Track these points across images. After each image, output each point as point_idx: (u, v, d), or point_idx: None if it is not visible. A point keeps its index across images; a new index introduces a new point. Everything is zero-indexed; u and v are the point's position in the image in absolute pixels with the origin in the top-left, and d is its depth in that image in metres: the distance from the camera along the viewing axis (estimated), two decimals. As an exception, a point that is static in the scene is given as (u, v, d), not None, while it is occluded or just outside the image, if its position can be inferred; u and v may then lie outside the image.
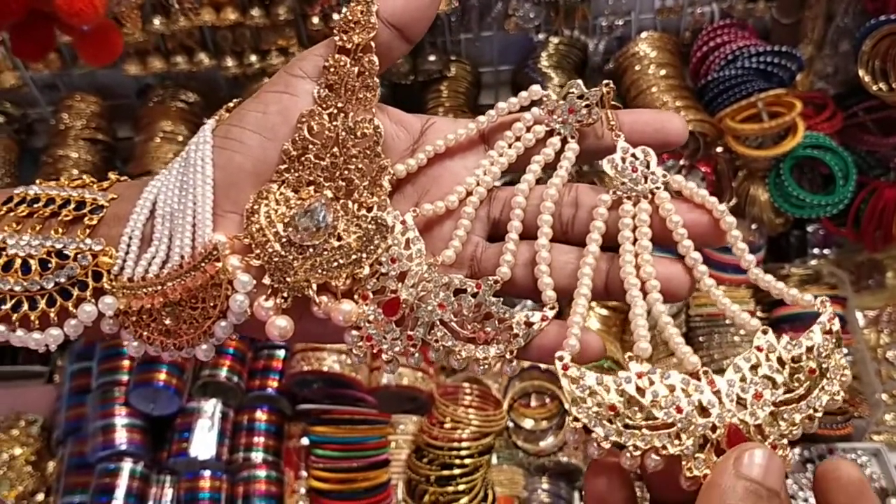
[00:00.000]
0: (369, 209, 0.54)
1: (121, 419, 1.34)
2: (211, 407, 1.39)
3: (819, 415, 0.48)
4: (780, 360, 0.49)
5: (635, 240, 0.53)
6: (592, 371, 0.48)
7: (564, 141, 0.56)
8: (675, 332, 0.51)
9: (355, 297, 0.52)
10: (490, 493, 1.37)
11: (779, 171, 1.55)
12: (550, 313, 0.51)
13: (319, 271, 0.52)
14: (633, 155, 0.54)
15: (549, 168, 0.56)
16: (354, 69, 0.54)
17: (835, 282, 1.63)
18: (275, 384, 1.45)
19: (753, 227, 1.56)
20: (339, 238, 0.52)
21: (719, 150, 1.56)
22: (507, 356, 0.51)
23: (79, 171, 1.62)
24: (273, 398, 1.45)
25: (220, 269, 0.50)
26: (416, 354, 0.52)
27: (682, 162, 1.53)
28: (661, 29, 1.66)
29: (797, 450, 1.47)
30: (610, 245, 0.54)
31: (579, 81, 0.56)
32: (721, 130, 1.54)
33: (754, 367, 0.48)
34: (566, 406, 0.47)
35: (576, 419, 0.47)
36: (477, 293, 0.52)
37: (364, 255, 0.52)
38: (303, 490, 1.40)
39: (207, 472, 1.35)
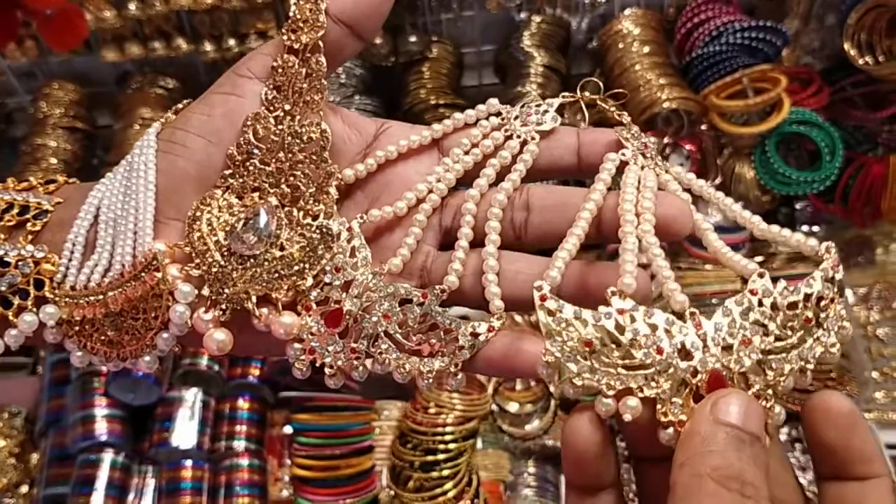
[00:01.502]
0: (315, 217, 0.52)
1: (101, 410, 1.33)
2: (192, 396, 1.38)
3: (811, 367, 0.45)
4: (775, 306, 0.46)
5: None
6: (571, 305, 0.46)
7: (524, 144, 0.55)
8: (664, 265, 0.48)
9: (298, 308, 0.51)
10: (474, 477, 1.36)
11: (764, 148, 1.53)
12: (497, 323, 0.49)
13: (259, 283, 0.50)
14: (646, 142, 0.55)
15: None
16: (302, 70, 0.53)
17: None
18: (256, 372, 1.44)
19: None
20: (282, 248, 0.51)
21: (704, 127, 1.54)
22: (452, 369, 0.49)
23: (58, 160, 1.61)
24: (255, 386, 1.44)
25: (160, 280, 0.48)
26: (360, 368, 0.50)
27: (666, 140, 1.51)
28: (644, 5, 1.63)
29: (785, 429, 1.46)
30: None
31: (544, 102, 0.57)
32: (706, 108, 1.51)
33: (745, 312, 0.46)
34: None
35: (549, 353, 0.45)
36: (423, 303, 0.50)
37: (307, 266, 0.51)
38: (286, 478, 1.39)
39: (189, 462, 1.34)
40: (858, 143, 1.60)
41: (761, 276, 0.47)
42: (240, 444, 1.38)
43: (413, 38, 1.65)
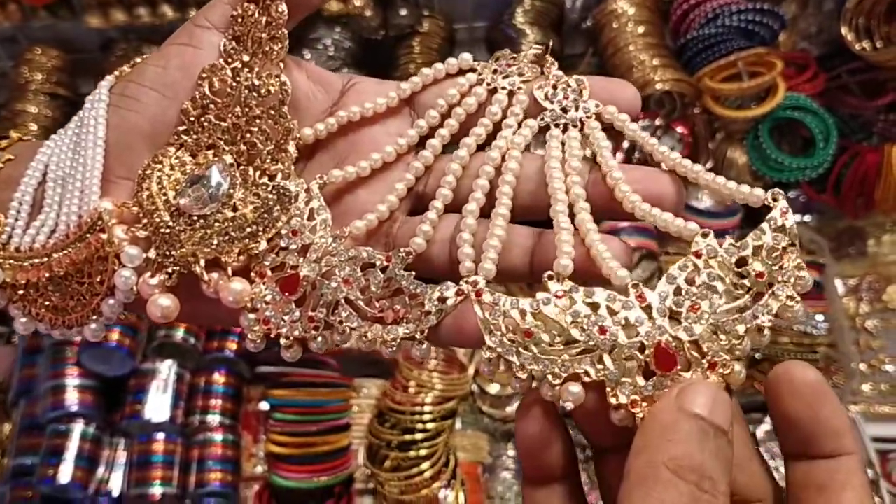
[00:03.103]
0: (272, 177, 0.49)
1: (72, 380, 1.30)
2: (166, 369, 1.35)
3: (768, 324, 0.42)
4: (722, 266, 0.43)
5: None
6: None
7: (511, 96, 0.52)
8: (604, 246, 0.45)
9: (252, 274, 0.47)
10: (452, 458, 1.34)
11: (757, 133, 1.50)
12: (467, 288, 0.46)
13: (208, 245, 0.46)
14: (567, 84, 0.51)
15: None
16: (262, 18, 0.50)
17: (814, 248, 1.59)
18: (234, 346, 1.42)
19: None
20: (235, 209, 0.47)
21: (697, 110, 1.51)
22: (418, 336, 0.46)
23: (39, 127, 1.57)
24: (231, 360, 1.42)
25: (105, 241, 0.46)
26: (319, 339, 0.47)
27: (657, 122, 1.48)
28: (641, -16, 1.60)
29: (768, 417, 1.43)
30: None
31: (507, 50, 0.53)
32: (699, 90, 1.49)
33: (691, 276, 0.43)
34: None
35: (489, 348, 0.43)
36: (386, 267, 0.47)
37: (261, 229, 0.47)
38: (261, 454, 1.37)
39: (161, 435, 1.32)
40: (853, 132, 1.58)
41: (705, 235, 0.44)
42: (214, 419, 1.36)
43: (404, 12, 1.62)
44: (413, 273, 0.47)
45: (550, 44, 0.55)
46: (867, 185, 1.55)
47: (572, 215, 0.47)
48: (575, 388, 0.42)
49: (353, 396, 1.41)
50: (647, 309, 0.43)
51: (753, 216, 1.67)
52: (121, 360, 1.32)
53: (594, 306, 0.43)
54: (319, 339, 0.47)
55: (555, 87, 0.51)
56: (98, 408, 1.33)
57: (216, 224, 0.47)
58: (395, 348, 0.46)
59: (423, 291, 0.46)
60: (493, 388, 1.46)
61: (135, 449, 1.32)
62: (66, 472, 1.25)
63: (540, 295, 0.43)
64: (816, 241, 1.58)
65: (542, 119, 0.50)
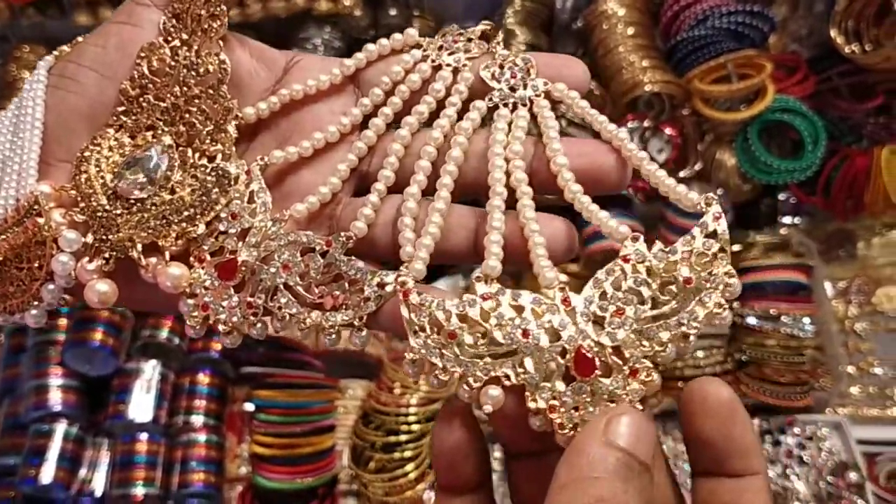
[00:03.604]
0: (211, 158, 0.48)
1: (55, 380, 1.30)
2: (150, 368, 1.35)
3: (694, 332, 0.42)
4: (650, 271, 0.43)
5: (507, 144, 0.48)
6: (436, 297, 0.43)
7: (456, 73, 0.50)
8: (540, 241, 0.45)
9: (191, 259, 0.46)
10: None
11: (746, 136, 1.50)
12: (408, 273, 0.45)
13: (145, 229, 0.46)
14: (514, 62, 0.50)
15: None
16: None
17: (802, 251, 1.58)
18: (218, 347, 1.41)
19: (720, 192, 1.51)
20: (173, 191, 0.46)
21: (686, 112, 1.50)
22: (356, 323, 0.45)
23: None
24: (216, 361, 1.41)
25: (42, 226, 0.45)
26: (259, 325, 0.46)
27: (646, 123, 1.48)
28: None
29: (756, 420, 1.43)
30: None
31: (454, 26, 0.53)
32: (689, 92, 1.48)
33: (618, 281, 0.43)
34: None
35: (412, 350, 0.42)
36: (326, 251, 0.46)
37: (199, 212, 0.46)
38: (246, 455, 1.37)
39: (144, 436, 1.31)
40: (843, 135, 1.57)
41: (634, 240, 0.44)
42: (198, 420, 1.35)
43: (393, 12, 1.62)
44: (353, 258, 0.46)
45: (494, 26, 0.53)
46: (856, 188, 1.55)
47: (516, 200, 0.46)
48: (494, 391, 0.41)
49: (339, 397, 1.40)
50: (572, 313, 0.42)
51: (745, 218, 1.66)
52: (104, 359, 1.31)
53: (519, 309, 0.43)
54: (259, 325, 0.46)
55: (501, 67, 0.50)
56: (81, 408, 1.32)
57: (153, 207, 0.46)
58: (333, 335, 0.46)
59: (362, 277, 0.45)
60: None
61: (118, 449, 1.31)
62: (48, 473, 1.24)
63: (466, 296, 0.43)
64: (805, 244, 1.58)
65: (490, 99, 0.49)
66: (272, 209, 0.48)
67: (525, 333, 0.42)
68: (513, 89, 0.50)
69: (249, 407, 1.39)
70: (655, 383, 0.42)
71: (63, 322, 1.34)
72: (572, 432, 0.41)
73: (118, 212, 0.46)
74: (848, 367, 1.59)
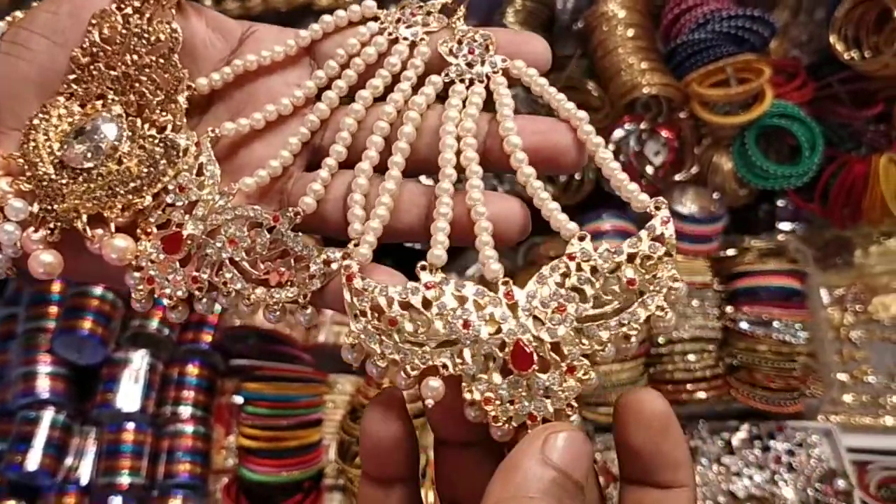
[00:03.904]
0: (161, 129, 0.47)
1: (44, 367, 1.30)
2: (139, 358, 1.35)
3: (635, 333, 0.42)
4: (595, 271, 0.43)
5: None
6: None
7: (413, 47, 0.50)
8: (486, 226, 0.44)
9: (138, 231, 0.46)
10: (423, 456, 1.33)
11: (743, 140, 1.49)
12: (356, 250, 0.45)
13: (91, 200, 0.45)
14: (473, 38, 0.50)
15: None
16: None
17: (798, 257, 1.57)
18: (208, 338, 1.41)
19: (715, 196, 1.51)
20: (120, 162, 0.46)
21: (683, 115, 1.50)
22: (300, 301, 0.45)
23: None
24: (206, 352, 1.41)
25: None
26: (204, 300, 0.46)
27: (643, 126, 1.47)
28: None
29: (745, 426, 1.43)
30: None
31: None
32: (687, 95, 1.48)
33: (562, 278, 0.43)
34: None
35: (352, 334, 0.42)
36: (273, 227, 0.45)
37: (145, 183, 0.45)
38: (233, 447, 1.37)
39: (131, 425, 1.31)
40: (842, 141, 1.57)
41: (581, 238, 0.44)
42: (186, 411, 1.35)
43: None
44: (300, 234, 0.46)
45: None
46: (854, 196, 1.54)
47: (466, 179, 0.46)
48: (434, 382, 0.41)
49: (327, 392, 1.40)
50: (514, 307, 0.42)
51: (742, 224, 1.66)
52: (93, 348, 1.31)
53: (462, 300, 0.42)
54: (204, 300, 0.46)
55: (460, 42, 0.50)
56: (69, 396, 1.32)
57: (99, 178, 0.45)
58: (277, 312, 0.45)
59: (309, 254, 0.45)
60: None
61: (104, 438, 1.32)
62: (34, 460, 1.25)
63: (410, 284, 0.43)
64: (801, 251, 1.57)
65: (447, 75, 0.49)
66: (222, 182, 0.47)
67: (466, 324, 0.42)
68: (470, 65, 0.49)
69: (238, 399, 1.39)
70: (592, 382, 0.42)
71: (54, 310, 1.34)
72: (506, 426, 0.41)
73: (64, 181, 0.45)
74: (842, 375, 1.58)
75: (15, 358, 1.32)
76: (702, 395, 1.38)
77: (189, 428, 1.33)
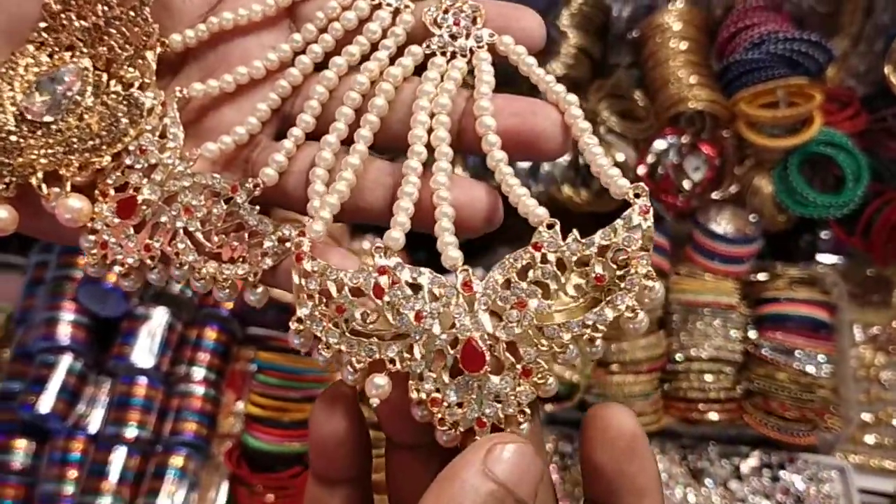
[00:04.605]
0: (128, 86, 0.45)
1: (67, 314, 1.32)
2: (159, 316, 1.37)
3: (600, 335, 0.39)
4: (561, 264, 0.39)
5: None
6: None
7: (396, 14, 0.47)
8: (448, 212, 0.42)
9: (96, 192, 0.44)
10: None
11: (786, 165, 1.47)
12: (316, 228, 0.42)
13: (48, 156, 0.43)
14: (461, 8, 0.46)
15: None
16: None
17: (832, 289, 1.54)
18: (229, 305, 1.42)
19: (752, 218, 1.48)
20: (81, 118, 0.44)
21: (726, 134, 1.48)
22: (251, 279, 0.42)
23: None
24: (225, 318, 1.43)
25: None
26: (156, 270, 0.43)
27: (684, 139, 1.46)
28: (691, 2, 1.57)
29: (756, 453, 1.40)
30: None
31: None
32: (734, 114, 1.46)
33: (525, 270, 0.39)
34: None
35: (298, 319, 0.40)
36: (231, 198, 0.43)
37: (105, 142, 0.43)
38: (241, 413, 1.38)
39: (144, 380, 1.33)
40: (892, 177, 1.53)
41: (550, 226, 0.40)
42: (199, 372, 1.37)
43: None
44: (256, 207, 0.43)
45: None
46: (897, 234, 1.50)
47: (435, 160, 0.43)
48: (381, 380, 0.39)
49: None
50: (471, 299, 0.39)
51: (783, 252, 1.62)
52: (116, 301, 1.34)
53: (416, 288, 0.40)
54: (156, 270, 0.44)
55: (446, 12, 0.46)
56: (88, 345, 1.35)
57: (58, 133, 0.43)
58: (227, 290, 0.43)
59: (264, 229, 0.42)
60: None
61: (116, 389, 1.34)
62: (47, 402, 1.27)
63: (362, 268, 0.40)
64: (836, 283, 1.54)
65: (429, 46, 0.46)
66: (187, 146, 0.45)
67: (418, 316, 0.39)
68: (454, 37, 0.46)
69: (252, 367, 1.41)
70: (549, 387, 0.39)
71: (83, 260, 1.36)
72: (453, 430, 0.39)
73: (23, 135, 0.43)
74: (866, 415, 1.55)
75: (40, 303, 1.35)
76: (714, 416, 1.36)
77: (200, 389, 1.35)
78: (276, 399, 1.32)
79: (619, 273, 0.39)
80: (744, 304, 1.46)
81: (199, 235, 0.43)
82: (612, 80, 1.54)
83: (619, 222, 0.40)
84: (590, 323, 0.39)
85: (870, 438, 1.54)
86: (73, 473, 1.28)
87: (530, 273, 0.40)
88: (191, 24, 0.47)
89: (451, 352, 0.39)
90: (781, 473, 1.38)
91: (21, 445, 1.31)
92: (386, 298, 0.39)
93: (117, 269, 0.43)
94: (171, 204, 0.43)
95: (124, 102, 0.44)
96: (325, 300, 0.40)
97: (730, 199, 1.50)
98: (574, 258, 0.40)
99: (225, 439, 1.36)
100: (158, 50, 0.46)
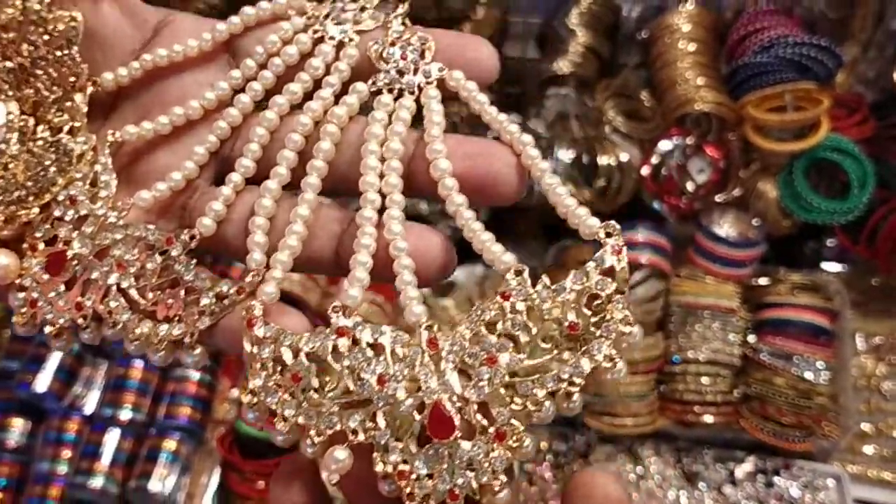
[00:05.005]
0: (57, 131, 0.42)
1: (66, 294, 1.33)
2: (158, 300, 1.37)
3: (577, 389, 0.36)
4: (531, 312, 0.37)
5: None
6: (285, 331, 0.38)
7: (340, 49, 0.45)
8: (407, 264, 0.39)
9: (24, 246, 0.41)
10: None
11: (791, 170, 1.46)
12: (265, 284, 0.39)
13: None
14: (409, 41, 0.44)
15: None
16: None
17: (834, 296, 1.53)
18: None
19: (755, 222, 1.47)
20: (6, 167, 0.41)
21: (732, 136, 1.47)
22: (187, 340, 0.39)
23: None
24: (224, 305, 1.43)
25: None
26: (89, 330, 0.40)
27: (689, 140, 1.45)
28: (701, 4, 1.57)
29: (752, 458, 1.39)
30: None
31: None
32: (740, 117, 1.45)
33: (493, 322, 0.37)
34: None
35: (251, 391, 0.37)
36: (166, 251, 0.40)
37: (32, 193, 0.41)
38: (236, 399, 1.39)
39: (140, 363, 1.34)
40: (898, 185, 1.52)
41: (518, 273, 0.38)
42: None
43: (458, -3, 1.62)
44: (193, 262, 0.41)
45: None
46: (903, 242, 1.49)
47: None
48: (341, 453, 0.36)
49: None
50: (437, 357, 0.37)
51: (787, 258, 1.61)
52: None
53: (378, 349, 0.37)
54: (89, 330, 0.41)
55: (393, 45, 0.44)
56: (86, 325, 1.35)
57: None
58: (162, 352, 0.40)
59: (201, 285, 0.40)
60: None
61: (113, 372, 1.35)
62: (43, 381, 1.29)
63: (319, 330, 0.38)
64: (839, 291, 1.52)
65: (374, 83, 0.44)
66: (122, 194, 0.43)
67: (381, 380, 0.36)
68: (401, 73, 0.44)
69: (249, 355, 1.41)
70: (526, 450, 0.36)
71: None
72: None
73: None
74: (865, 425, 1.53)
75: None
76: (709, 418, 1.35)
77: (196, 374, 1.36)
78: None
79: (594, 320, 0.37)
80: (744, 308, 1.45)
81: (133, 292, 0.40)
82: (619, 80, 1.54)
83: (590, 265, 0.38)
84: (565, 376, 0.36)
85: (868, 449, 1.52)
86: (66, 453, 1.29)
87: (499, 325, 0.37)
88: (123, 61, 0.45)
89: (418, 418, 0.36)
90: (776, 479, 1.37)
91: (17, 424, 1.32)
92: (346, 362, 0.37)
93: (48, 329, 0.41)
94: (102, 258, 0.41)
95: (52, 149, 0.42)
96: (279, 368, 0.37)
97: (733, 203, 1.49)
98: (545, 305, 0.37)
99: (219, 425, 1.36)
100: (89, 90, 0.43)
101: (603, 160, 1.46)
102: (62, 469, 1.28)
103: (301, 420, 0.36)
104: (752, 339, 1.41)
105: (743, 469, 1.39)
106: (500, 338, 0.37)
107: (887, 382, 1.60)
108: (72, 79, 0.42)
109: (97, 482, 1.25)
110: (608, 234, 0.38)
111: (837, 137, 1.43)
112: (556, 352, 0.37)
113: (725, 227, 1.48)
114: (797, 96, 1.42)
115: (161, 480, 1.28)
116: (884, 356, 1.63)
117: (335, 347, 0.37)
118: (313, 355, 0.37)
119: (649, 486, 1.36)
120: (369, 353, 0.37)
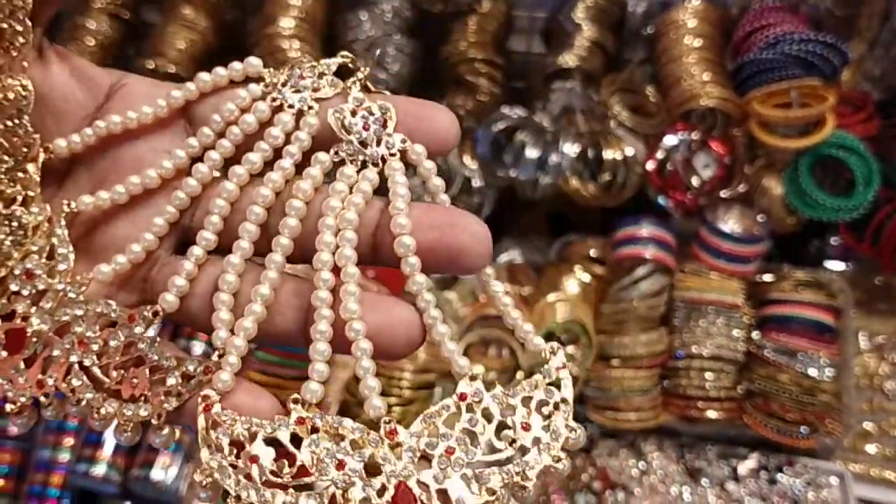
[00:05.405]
0: (10, 202, 0.41)
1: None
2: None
3: (530, 483, 0.39)
4: (487, 413, 0.40)
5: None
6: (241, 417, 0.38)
7: (300, 117, 0.44)
8: (366, 347, 0.39)
9: None
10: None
11: (797, 166, 1.46)
12: (233, 360, 0.39)
13: None
14: (370, 110, 0.44)
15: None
16: (7, 6, 0.40)
17: (838, 294, 1.53)
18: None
19: (760, 218, 1.47)
20: None
21: (737, 132, 1.47)
22: (155, 421, 0.39)
23: (96, 43, 1.61)
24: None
25: None
26: (51, 407, 0.40)
27: (694, 136, 1.45)
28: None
29: (755, 454, 1.39)
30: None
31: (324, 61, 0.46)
32: (746, 113, 1.45)
33: (451, 419, 0.39)
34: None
35: (204, 470, 0.37)
36: (129, 328, 0.39)
37: None
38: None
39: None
40: (905, 184, 1.52)
41: (473, 378, 0.41)
42: (199, 347, 1.37)
43: (467, -7, 1.62)
44: (158, 340, 0.40)
45: (362, 68, 0.46)
46: (907, 241, 1.49)
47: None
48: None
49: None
50: (397, 447, 0.38)
51: (791, 255, 1.61)
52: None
53: (338, 438, 0.38)
54: (51, 407, 0.40)
55: (354, 114, 0.44)
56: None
57: None
58: (128, 433, 0.40)
59: (167, 365, 0.40)
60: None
61: (115, 360, 1.34)
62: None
63: (279, 419, 0.38)
64: (843, 289, 1.52)
65: (337, 153, 0.44)
66: (78, 266, 0.42)
67: (340, 465, 0.37)
68: (364, 144, 0.43)
69: (253, 344, 1.40)
70: None
71: None
72: None
73: None
74: (868, 424, 1.53)
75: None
76: (712, 414, 1.35)
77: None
78: (275, 377, 1.32)
79: (543, 424, 0.41)
80: (748, 304, 1.45)
81: (97, 370, 0.40)
82: (625, 75, 1.54)
83: (538, 377, 0.42)
84: (519, 470, 0.39)
85: (871, 448, 1.52)
86: (69, 441, 1.29)
87: (456, 423, 0.40)
88: (76, 126, 0.44)
89: (380, 501, 0.37)
90: (779, 476, 1.37)
91: (18, 411, 1.31)
92: (306, 449, 0.37)
93: (9, 407, 0.40)
94: (63, 335, 0.40)
95: (5, 222, 0.41)
96: (235, 451, 0.37)
97: (738, 199, 1.49)
98: (498, 409, 0.41)
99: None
100: (42, 158, 0.42)
101: (608, 154, 1.46)
102: (64, 457, 1.27)
103: (255, 501, 0.36)
104: (755, 335, 1.41)
105: (746, 465, 1.39)
106: (459, 433, 0.39)
107: (890, 382, 1.59)
108: (24, 149, 0.41)
109: (99, 470, 1.25)
110: (552, 352, 0.43)
111: (843, 134, 1.43)
112: (510, 449, 0.40)
113: (730, 223, 1.48)
114: (803, 93, 1.42)
115: (164, 469, 1.27)
116: (887, 355, 1.62)
117: (294, 434, 0.37)
118: (271, 440, 0.37)
119: (652, 481, 1.36)
120: (328, 442, 0.38)
